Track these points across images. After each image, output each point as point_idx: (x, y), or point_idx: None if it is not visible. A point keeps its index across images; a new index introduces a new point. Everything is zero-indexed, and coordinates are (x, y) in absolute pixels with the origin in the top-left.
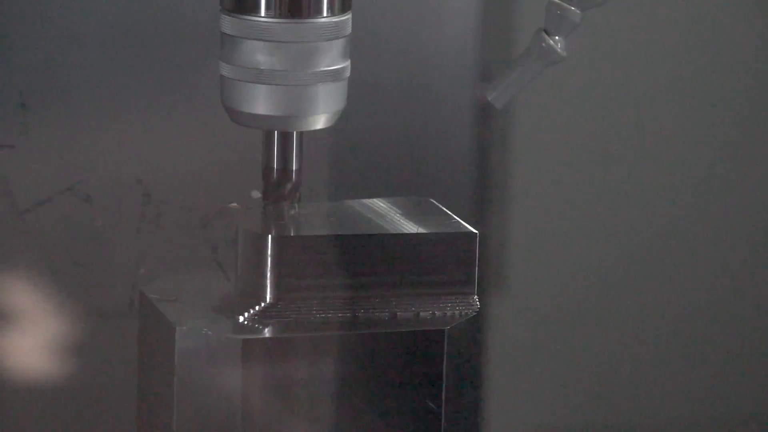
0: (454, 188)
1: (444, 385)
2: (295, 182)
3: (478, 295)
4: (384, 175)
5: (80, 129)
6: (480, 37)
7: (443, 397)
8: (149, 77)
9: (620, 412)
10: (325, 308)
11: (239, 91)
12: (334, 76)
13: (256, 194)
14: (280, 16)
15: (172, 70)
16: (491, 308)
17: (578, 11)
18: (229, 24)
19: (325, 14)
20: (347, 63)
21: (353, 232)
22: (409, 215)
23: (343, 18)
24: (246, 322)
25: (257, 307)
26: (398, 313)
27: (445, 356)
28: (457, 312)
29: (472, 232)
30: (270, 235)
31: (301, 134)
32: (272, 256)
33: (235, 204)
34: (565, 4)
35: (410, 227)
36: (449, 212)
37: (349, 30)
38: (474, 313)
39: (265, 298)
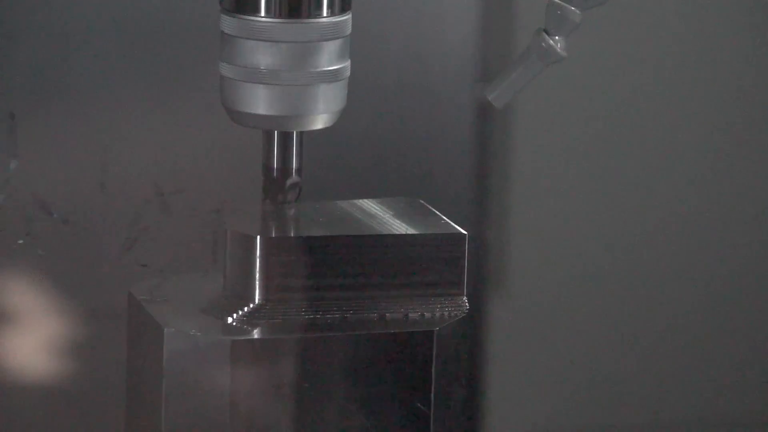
0: (454, 188)
1: (433, 386)
2: (295, 182)
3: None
4: (384, 175)
5: (80, 129)
6: (480, 37)
7: (432, 399)
8: (149, 77)
9: (620, 412)
10: (314, 309)
11: (239, 91)
12: (334, 76)
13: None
14: (280, 16)
15: (172, 70)
16: (491, 308)
17: (578, 11)
18: (229, 24)
19: (325, 14)
20: (347, 63)
21: (342, 233)
22: (398, 216)
23: (343, 18)
24: (235, 324)
25: (246, 309)
26: (387, 315)
27: (433, 357)
28: (446, 313)
29: (461, 233)
30: (258, 237)
31: (301, 134)
32: (261, 257)
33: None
34: (565, 4)
35: (399, 228)
36: (439, 213)
37: (349, 30)
38: (463, 314)
39: (254, 299)
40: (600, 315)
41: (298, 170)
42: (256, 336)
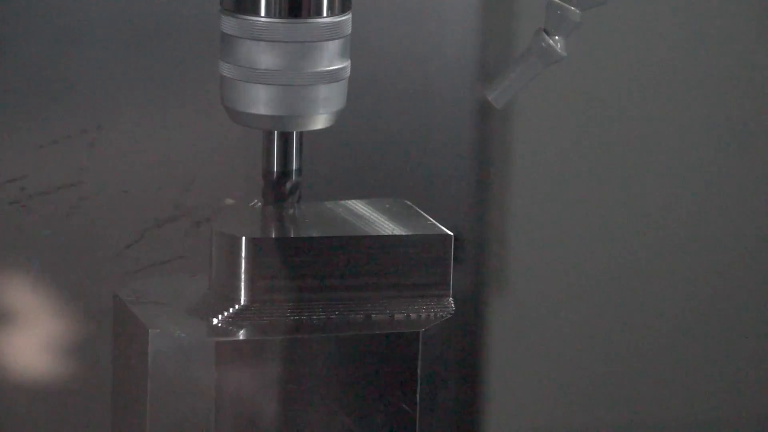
0: (454, 188)
1: (419, 387)
2: (295, 182)
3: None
4: (384, 175)
5: (80, 129)
6: (480, 37)
7: (418, 399)
8: (149, 77)
9: (620, 412)
10: (299, 310)
11: (239, 91)
12: (334, 76)
13: (230, 201)
14: (280, 16)
15: (172, 70)
16: (491, 308)
17: (578, 11)
18: (229, 24)
19: (325, 14)
20: (347, 63)
21: (328, 234)
22: (384, 217)
23: (343, 18)
24: (220, 325)
25: (231, 310)
26: (373, 315)
27: (419, 358)
28: (432, 314)
29: (447, 234)
30: (244, 238)
31: (301, 134)
32: (246, 258)
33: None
34: (565, 4)
35: (385, 229)
36: (425, 214)
37: (349, 30)
38: (449, 315)
39: (239, 300)
40: (600, 315)
41: (298, 170)
42: (241, 337)
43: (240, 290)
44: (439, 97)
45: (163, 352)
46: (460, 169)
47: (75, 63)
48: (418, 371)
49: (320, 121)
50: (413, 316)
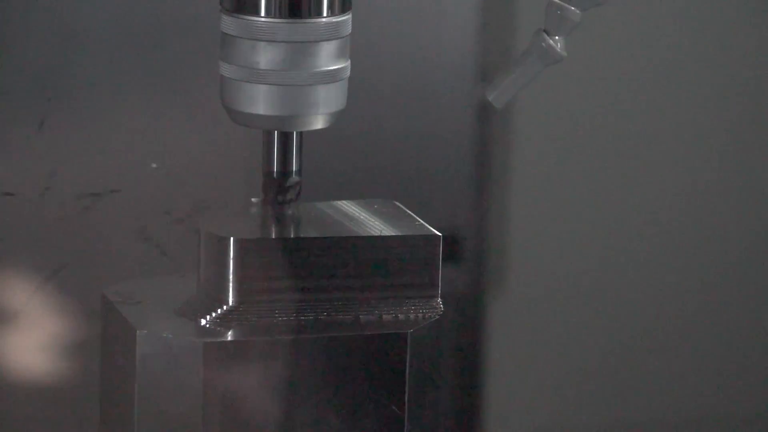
0: (454, 188)
1: (407, 388)
2: (295, 182)
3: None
4: (383, 175)
5: (80, 128)
6: (480, 37)
7: (406, 400)
8: (149, 77)
9: (620, 412)
10: (287, 311)
11: (239, 91)
12: (334, 76)
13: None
14: (280, 16)
15: (172, 70)
16: (491, 308)
17: (578, 11)
18: (229, 24)
19: (325, 14)
20: (347, 63)
21: (316, 234)
22: (373, 218)
23: (343, 18)
24: (208, 326)
25: (219, 310)
26: (361, 316)
27: (407, 359)
28: (420, 315)
29: (436, 234)
30: (232, 238)
31: (301, 134)
32: (234, 258)
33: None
34: (565, 4)
35: (374, 230)
36: (413, 215)
37: (349, 30)
38: (437, 316)
39: (227, 301)
40: (600, 315)
41: (298, 170)
42: (228, 338)
43: (228, 291)
44: (439, 97)
45: (151, 353)
46: (460, 169)
47: (75, 63)
48: (407, 372)
49: (320, 121)
50: (401, 317)
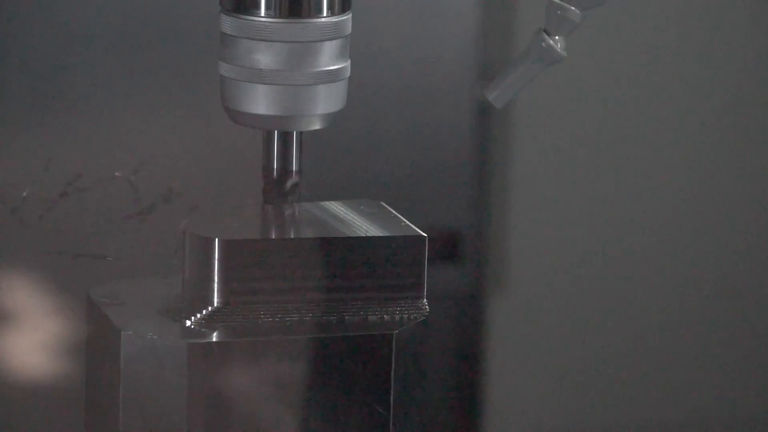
0: (454, 188)
1: (392, 389)
2: (295, 182)
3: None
4: (383, 175)
5: (80, 128)
6: (480, 37)
7: (391, 402)
8: (149, 77)
9: (620, 412)
10: (273, 312)
11: (239, 91)
12: (334, 76)
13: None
14: (280, 15)
15: (172, 70)
16: (491, 308)
17: (578, 11)
18: (228, 24)
19: (325, 14)
20: (347, 63)
21: (301, 235)
22: (359, 218)
23: (343, 18)
24: (193, 327)
25: (204, 312)
26: (346, 317)
27: (393, 360)
28: (405, 316)
29: (421, 235)
30: (217, 239)
31: (301, 134)
32: (219, 259)
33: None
34: (565, 4)
35: (359, 230)
36: (399, 215)
37: (349, 30)
38: (423, 317)
39: (213, 302)
40: (600, 315)
41: (298, 170)
42: (213, 339)
43: (213, 292)
44: (439, 97)
45: (136, 354)
46: (460, 169)
47: (75, 63)
48: (392, 373)
49: (320, 121)
50: (387, 317)
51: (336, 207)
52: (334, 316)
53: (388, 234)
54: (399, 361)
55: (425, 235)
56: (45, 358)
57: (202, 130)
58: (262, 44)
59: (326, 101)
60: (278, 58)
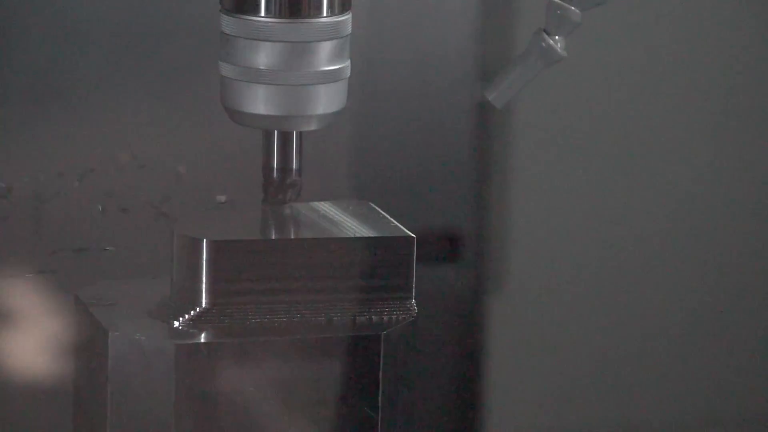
0: (454, 188)
1: (380, 390)
2: (295, 182)
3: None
4: (384, 175)
5: (80, 128)
6: (480, 37)
7: (379, 403)
8: (149, 77)
9: (620, 412)
10: (261, 313)
11: (239, 91)
12: (334, 76)
13: (221, 198)
14: (280, 15)
15: (172, 70)
16: (491, 308)
17: (578, 11)
18: (228, 24)
19: (324, 14)
20: (347, 63)
21: (289, 235)
22: (347, 219)
23: (343, 18)
24: (181, 328)
25: (192, 312)
26: (334, 318)
27: (381, 361)
28: (394, 317)
29: (410, 236)
30: (205, 240)
31: (301, 134)
32: (207, 260)
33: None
34: (565, 4)
35: (348, 231)
36: (388, 216)
37: (349, 30)
38: (411, 318)
39: (201, 302)
40: (599, 315)
41: (298, 170)
42: (201, 340)
43: (201, 293)
44: (439, 97)
45: (124, 355)
46: (460, 169)
47: (74, 63)
48: (380, 374)
49: (320, 121)
50: (375, 318)
51: (325, 207)
52: (322, 316)
53: (376, 234)
54: (398, 361)
55: (413, 235)
56: (34, 358)
57: (202, 130)
58: (262, 44)
59: (326, 101)
60: (278, 58)
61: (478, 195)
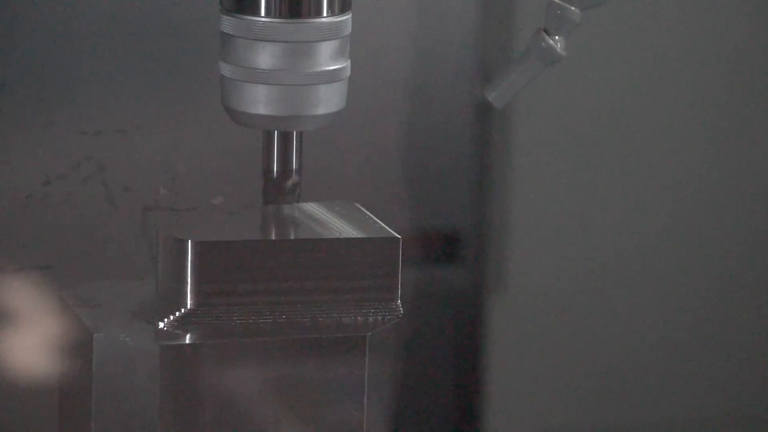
0: (454, 188)
1: (366, 391)
2: (295, 182)
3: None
4: (384, 175)
5: (80, 128)
6: (480, 37)
7: (365, 403)
8: (148, 77)
9: (620, 412)
10: (246, 314)
11: (239, 91)
12: (334, 76)
13: (219, 199)
14: (280, 15)
15: (172, 70)
16: (491, 308)
17: (578, 11)
18: (228, 24)
19: (325, 14)
20: (347, 63)
21: (275, 236)
22: (333, 219)
23: (343, 18)
24: (166, 329)
25: (177, 313)
26: (320, 319)
27: (366, 362)
28: (379, 318)
29: (395, 237)
30: (190, 240)
31: (301, 134)
32: (193, 261)
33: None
34: (565, 4)
35: (333, 232)
36: (374, 217)
37: (349, 30)
38: (397, 319)
39: (186, 304)
40: (600, 315)
41: (298, 170)
42: (186, 341)
43: (186, 294)
44: (439, 97)
45: (108, 356)
46: (460, 169)
47: (74, 63)
48: (366, 375)
49: (320, 121)
50: (360, 319)
51: (310, 208)
52: (307, 317)
53: (361, 235)
54: (398, 361)
55: (399, 236)
56: (19, 359)
57: (202, 130)
58: (262, 44)
59: (326, 101)
60: (278, 58)
61: (478, 195)
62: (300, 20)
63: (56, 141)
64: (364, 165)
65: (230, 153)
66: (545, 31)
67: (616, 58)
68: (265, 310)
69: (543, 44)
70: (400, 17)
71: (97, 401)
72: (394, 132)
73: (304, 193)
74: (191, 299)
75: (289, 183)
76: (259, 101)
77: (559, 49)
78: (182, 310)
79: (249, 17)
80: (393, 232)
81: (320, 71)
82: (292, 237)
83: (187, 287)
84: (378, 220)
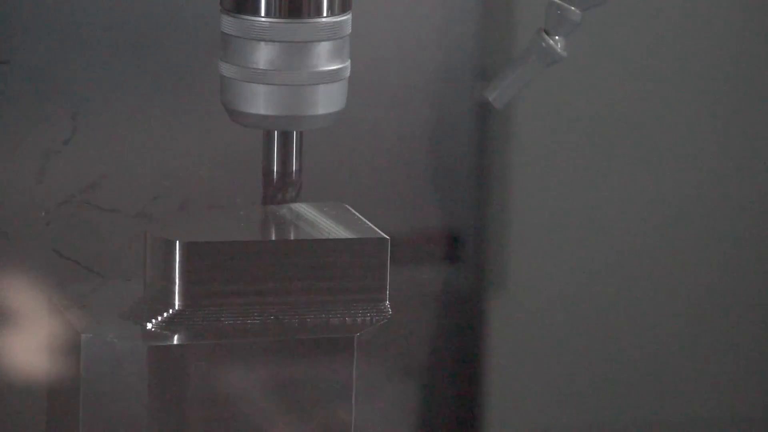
0: (454, 188)
1: (354, 392)
2: (295, 182)
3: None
4: (384, 175)
5: (80, 128)
6: (480, 37)
7: (353, 404)
8: (148, 77)
9: (620, 412)
10: (234, 315)
11: (239, 91)
12: (334, 76)
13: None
14: (280, 16)
15: (172, 70)
16: (491, 308)
17: (578, 11)
18: (229, 24)
19: (324, 14)
20: (347, 63)
21: (263, 237)
22: (322, 220)
23: (343, 18)
24: (153, 329)
25: (165, 314)
26: (308, 319)
27: (355, 363)
28: (367, 319)
29: (384, 237)
30: (178, 241)
31: (301, 134)
32: (181, 262)
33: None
34: (565, 4)
35: (322, 232)
36: (362, 218)
37: (348, 30)
38: (386, 320)
39: (174, 304)
40: (600, 315)
41: (298, 170)
42: (174, 342)
43: (174, 294)
44: (439, 97)
45: (96, 357)
46: (460, 169)
47: (74, 63)
48: (353, 376)
49: (320, 121)
50: (349, 320)
51: (300, 209)
52: (296, 318)
53: (350, 236)
54: (396, 361)
55: (387, 237)
56: (8, 360)
57: (202, 130)
58: (262, 44)
59: (326, 101)
60: (278, 58)
61: (478, 195)
62: (300, 20)
63: (54, 141)
64: (364, 165)
65: (230, 153)
66: (545, 31)
67: (616, 58)
68: (254, 311)
69: (543, 44)
70: (400, 17)
71: (85, 402)
72: (394, 132)
73: (303, 193)
74: (179, 300)
75: (289, 183)
76: (259, 101)
77: (559, 50)
78: (170, 311)
79: (249, 17)
80: (381, 233)
81: (320, 71)
82: (280, 238)
83: (175, 288)
84: (367, 221)
